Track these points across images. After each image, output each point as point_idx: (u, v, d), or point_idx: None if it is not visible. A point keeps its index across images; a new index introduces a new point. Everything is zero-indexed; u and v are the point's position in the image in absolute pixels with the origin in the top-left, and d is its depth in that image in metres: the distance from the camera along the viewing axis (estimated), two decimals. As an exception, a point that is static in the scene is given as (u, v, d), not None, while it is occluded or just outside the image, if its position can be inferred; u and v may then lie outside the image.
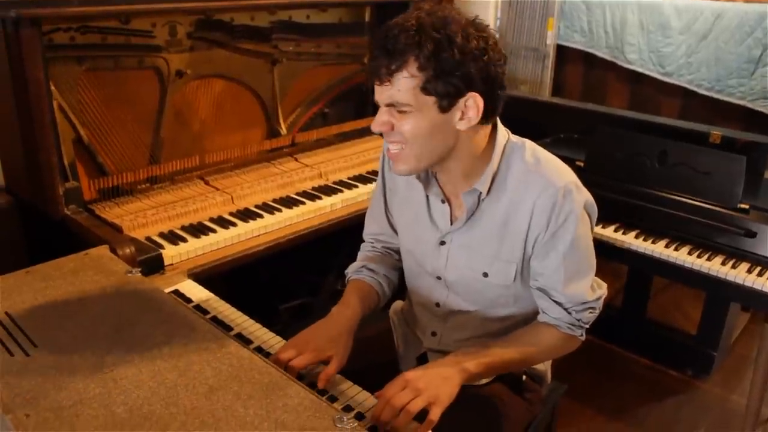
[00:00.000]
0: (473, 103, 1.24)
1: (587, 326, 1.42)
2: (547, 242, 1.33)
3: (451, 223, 1.41)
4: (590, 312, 1.40)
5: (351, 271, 1.59)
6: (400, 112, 1.24)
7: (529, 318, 1.46)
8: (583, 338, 1.43)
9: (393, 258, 1.62)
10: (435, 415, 1.17)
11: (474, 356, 1.29)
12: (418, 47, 1.18)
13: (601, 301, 1.42)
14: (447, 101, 1.22)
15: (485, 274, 1.40)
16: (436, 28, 1.18)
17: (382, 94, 1.25)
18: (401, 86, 1.21)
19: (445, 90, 1.21)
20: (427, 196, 1.44)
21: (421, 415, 1.17)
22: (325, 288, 2.62)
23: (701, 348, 2.74)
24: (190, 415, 1.02)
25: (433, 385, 1.20)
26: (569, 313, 1.37)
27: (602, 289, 1.42)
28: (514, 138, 1.39)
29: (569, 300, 1.36)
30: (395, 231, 1.60)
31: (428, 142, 1.27)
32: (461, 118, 1.25)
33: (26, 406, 1.03)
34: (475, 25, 1.23)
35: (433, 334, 1.55)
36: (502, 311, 1.45)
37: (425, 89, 1.20)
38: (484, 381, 1.45)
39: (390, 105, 1.24)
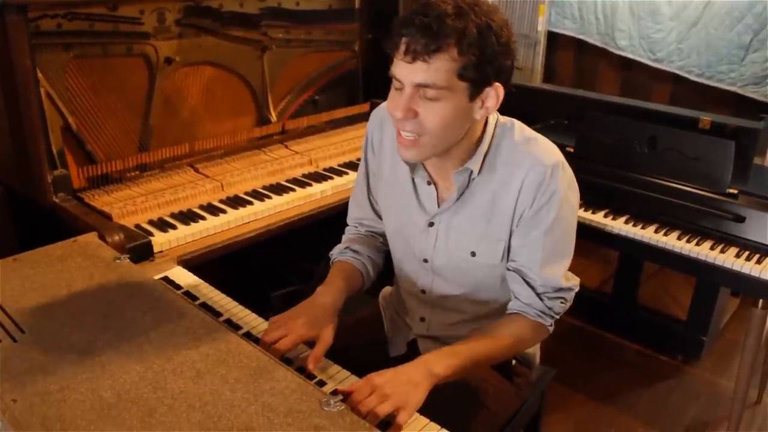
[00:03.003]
0: (495, 94, 1.25)
1: (557, 316, 1.41)
2: (530, 219, 1.34)
3: (438, 206, 1.42)
4: (561, 302, 1.40)
5: (335, 252, 1.59)
6: (429, 98, 1.21)
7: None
8: (552, 328, 1.42)
9: (377, 241, 1.62)
10: (402, 420, 1.13)
11: (443, 359, 1.25)
12: (462, 31, 1.16)
13: (572, 294, 1.42)
14: (476, 89, 1.22)
15: (473, 254, 1.40)
16: (478, 15, 1.17)
17: (413, 72, 1.19)
18: (440, 67, 1.17)
19: (479, 78, 1.20)
20: (413, 179, 1.44)
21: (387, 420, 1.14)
22: (316, 275, 2.61)
23: (691, 333, 2.76)
24: (177, 399, 1.02)
25: (400, 390, 1.16)
26: (541, 299, 1.37)
27: (575, 281, 1.42)
28: (503, 118, 1.39)
29: (543, 283, 1.36)
30: (379, 216, 1.60)
31: (448, 131, 1.26)
32: (481, 107, 1.26)
33: (13, 391, 1.03)
34: (504, 19, 1.23)
35: (422, 319, 1.55)
36: (488, 294, 1.46)
37: (461, 75, 1.19)
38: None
39: (420, 86, 1.20)
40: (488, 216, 1.37)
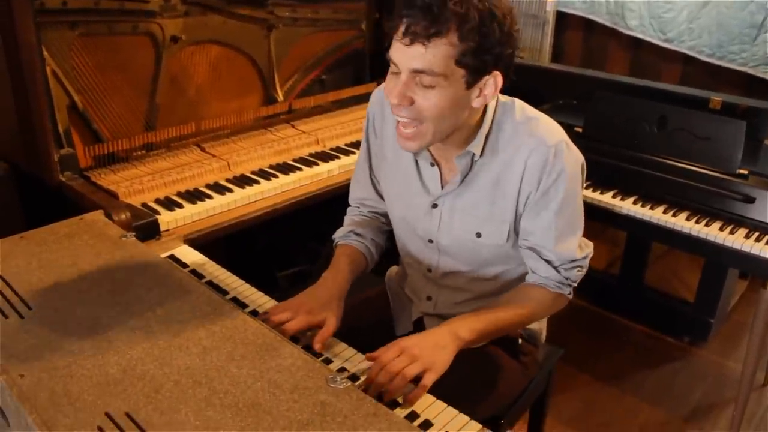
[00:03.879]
0: (493, 83, 1.23)
1: (575, 284, 1.42)
2: (538, 201, 1.33)
3: (442, 187, 1.41)
4: (578, 270, 1.40)
5: (338, 236, 1.58)
6: (425, 85, 1.19)
7: (522, 276, 1.47)
8: (571, 296, 1.44)
9: (380, 221, 1.61)
10: (429, 380, 1.17)
11: (468, 323, 1.29)
12: (464, 16, 1.13)
13: (588, 260, 1.42)
14: (474, 77, 1.20)
15: (478, 234, 1.39)
16: (482, 0, 1.15)
17: (411, 56, 1.17)
18: (438, 53, 1.15)
19: (477, 65, 1.18)
20: (416, 161, 1.43)
21: (414, 382, 1.17)
22: (323, 255, 2.62)
23: (699, 315, 2.75)
24: (183, 375, 1.03)
25: (428, 352, 1.19)
26: (558, 271, 1.38)
27: (589, 248, 1.43)
28: (503, 98, 1.37)
29: (559, 258, 1.37)
30: (381, 196, 1.59)
31: (445, 120, 1.24)
32: (479, 96, 1.24)
33: (21, 366, 1.03)
34: (509, 7, 1.20)
35: (429, 298, 1.55)
36: (494, 270, 1.46)
37: (460, 61, 1.16)
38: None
39: (416, 72, 1.18)
40: (492, 197, 1.36)
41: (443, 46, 1.15)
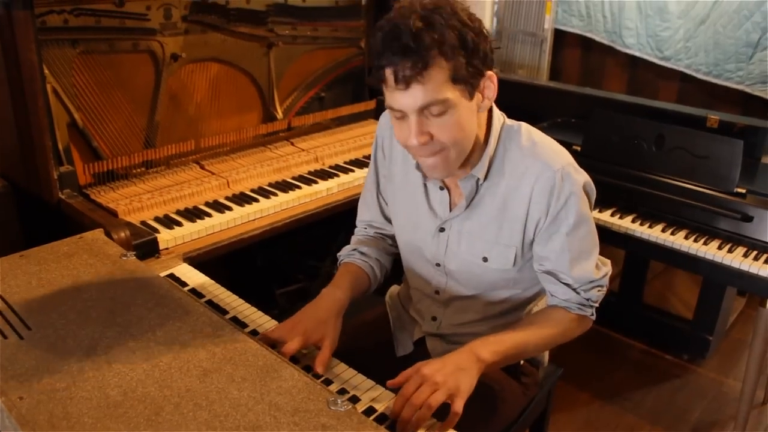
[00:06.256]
0: (490, 82, 1.24)
1: (596, 305, 1.41)
2: (549, 226, 1.33)
3: (450, 210, 1.40)
4: (598, 290, 1.40)
5: (343, 254, 1.58)
6: (435, 115, 1.19)
7: (528, 299, 1.47)
8: (594, 318, 1.43)
9: (386, 242, 1.61)
10: (458, 406, 1.16)
11: (489, 345, 1.27)
12: (441, 40, 1.13)
13: (607, 279, 1.42)
14: (472, 86, 1.21)
15: (485, 259, 1.39)
16: (444, 15, 1.15)
17: (412, 97, 1.16)
18: (435, 82, 1.15)
19: (471, 75, 1.19)
20: (425, 184, 1.43)
21: (440, 410, 1.15)
22: (322, 272, 2.62)
23: (697, 332, 2.75)
24: (183, 398, 1.02)
25: (452, 377, 1.18)
26: (578, 293, 1.37)
27: (607, 267, 1.42)
28: (510, 121, 1.37)
29: (577, 280, 1.36)
30: (388, 219, 1.59)
31: (464, 137, 1.25)
32: (482, 100, 1.25)
33: (20, 388, 1.03)
34: (463, 6, 1.20)
35: (434, 318, 1.55)
36: (501, 294, 1.45)
37: (455, 79, 1.17)
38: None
39: (423, 108, 1.18)
40: (499, 221, 1.36)
41: (436, 73, 1.15)
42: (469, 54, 1.17)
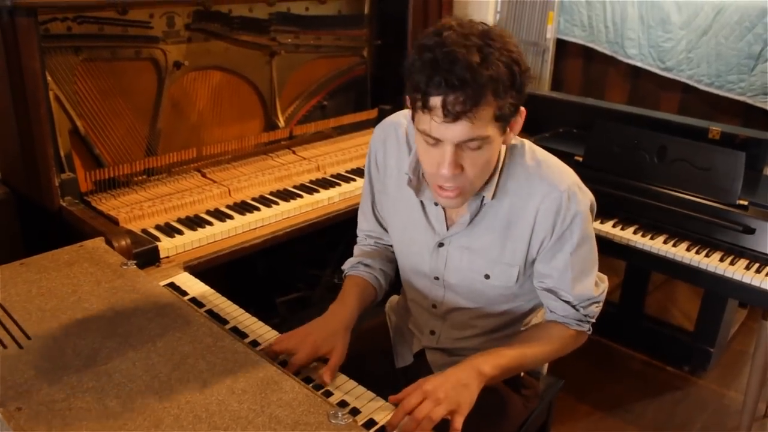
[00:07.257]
0: (520, 117, 1.23)
1: (593, 320, 1.42)
2: (553, 245, 1.32)
3: (447, 227, 1.40)
4: (596, 306, 1.40)
5: (347, 266, 1.57)
6: (472, 149, 1.16)
7: (527, 313, 1.47)
8: (590, 332, 1.43)
9: (388, 251, 1.61)
10: (458, 423, 1.15)
11: (491, 359, 1.27)
12: (496, 77, 1.09)
13: (604, 295, 1.42)
14: (508, 122, 1.19)
15: (487, 276, 1.39)
16: (498, 50, 1.11)
17: (457, 132, 1.13)
18: (482, 120, 1.12)
19: (512, 113, 1.17)
20: (421, 200, 1.41)
21: (439, 425, 1.15)
22: (322, 281, 2.61)
23: (698, 344, 2.74)
24: (183, 409, 1.01)
25: (453, 393, 1.18)
26: (577, 309, 1.37)
27: (605, 283, 1.43)
28: (513, 139, 1.37)
29: (577, 298, 1.36)
30: (385, 229, 1.58)
31: (490, 170, 1.25)
32: (509, 133, 1.23)
33: (18, 399, 1.02)
34: (514, 40, 1.16)
35: (432, 332, 1.54)
36: (501, 308, 1.45)
37: (498, 117, 1.14)
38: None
39: (463, 142, 1.15)
40: (502, 240, 1.35)
41: (484, 111, 1.11)
42: (517, 94, 1.15)
